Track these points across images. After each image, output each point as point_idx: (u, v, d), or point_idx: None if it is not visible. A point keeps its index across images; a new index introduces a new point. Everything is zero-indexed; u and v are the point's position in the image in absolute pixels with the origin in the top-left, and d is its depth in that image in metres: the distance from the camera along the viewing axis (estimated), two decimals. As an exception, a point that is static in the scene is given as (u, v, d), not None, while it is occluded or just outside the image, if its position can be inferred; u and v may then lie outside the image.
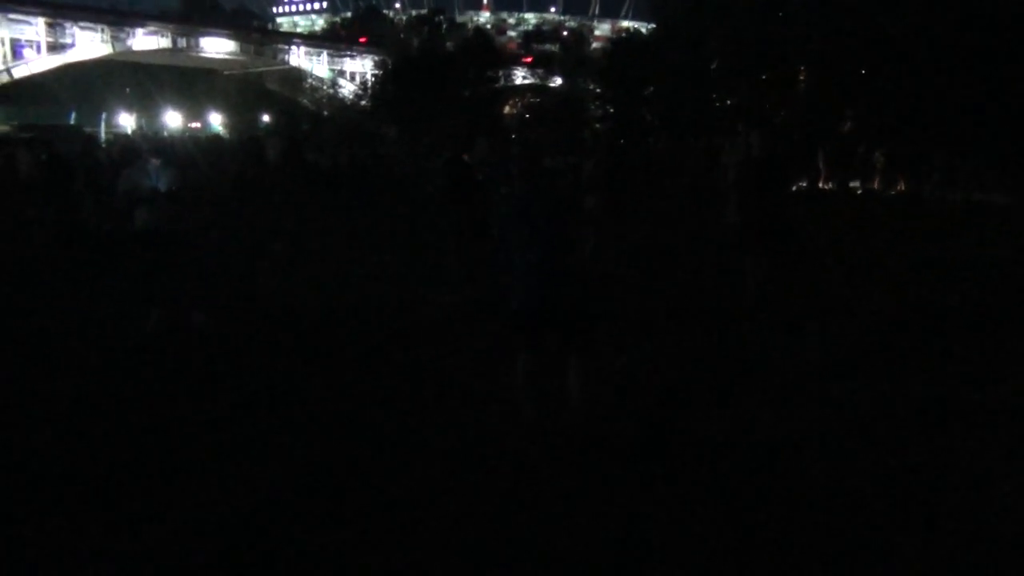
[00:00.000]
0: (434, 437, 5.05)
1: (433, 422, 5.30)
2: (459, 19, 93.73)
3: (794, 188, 21.08)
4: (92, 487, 4.35)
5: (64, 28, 49.93)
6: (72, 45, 50.41)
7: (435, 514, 4.08)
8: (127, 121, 51.83)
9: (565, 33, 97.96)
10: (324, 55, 64.69)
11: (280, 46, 63.43)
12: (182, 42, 56.91)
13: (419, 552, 3.73)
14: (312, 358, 6.65)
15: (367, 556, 3.71)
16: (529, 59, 62.71)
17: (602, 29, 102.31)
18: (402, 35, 66.53)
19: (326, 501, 4.24)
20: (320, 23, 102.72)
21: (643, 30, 50.92)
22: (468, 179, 9.51)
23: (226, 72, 62.62)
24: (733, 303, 7.88)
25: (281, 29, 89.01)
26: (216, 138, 27.19)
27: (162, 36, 55.46)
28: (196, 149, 16.44)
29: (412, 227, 13.64)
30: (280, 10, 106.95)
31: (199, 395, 5.76)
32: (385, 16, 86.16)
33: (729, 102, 32.27)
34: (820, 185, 22.72)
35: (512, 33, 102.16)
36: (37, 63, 48.93)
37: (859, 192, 22.34)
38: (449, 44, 40.98)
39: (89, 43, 51.05)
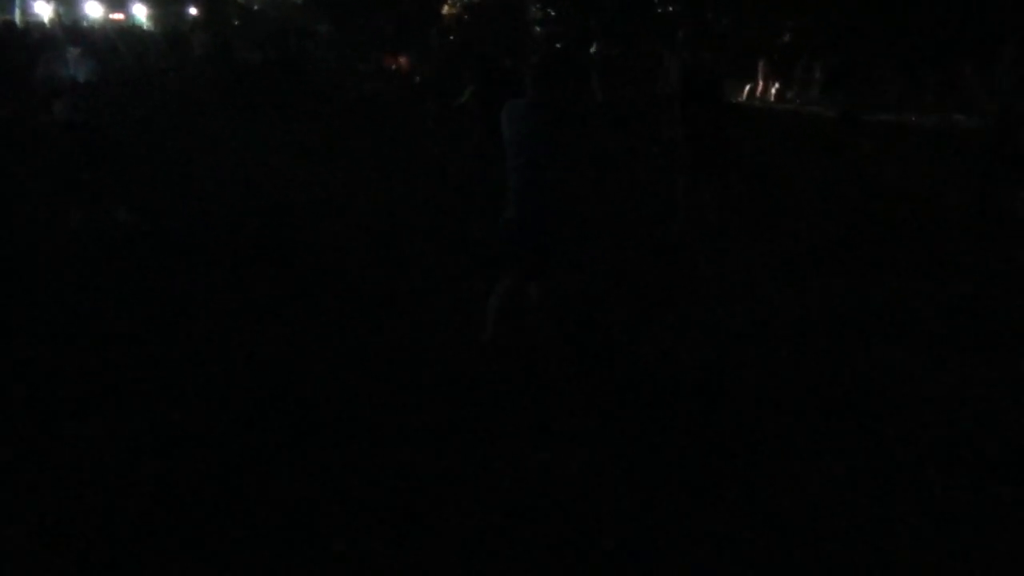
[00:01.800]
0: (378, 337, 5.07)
1: (377, 320, 5.31)
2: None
3: (736, 100, 21.15)
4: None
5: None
6: (-21, -77, 46.95)
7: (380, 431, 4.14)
8: (43, 10, 48.90)
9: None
10: (255, -56, 61.54)
11: (208, -68, 60.08)
12: (101, -75, 53.44)
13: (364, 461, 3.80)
14: (246, 260, 6.52)
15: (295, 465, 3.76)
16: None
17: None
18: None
19: (256, 409, 4.25)
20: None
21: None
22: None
23: (150, -41, 59.19)
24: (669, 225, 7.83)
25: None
26: (139, 30, 26.00)
27: (79, -83, 51.95)
28: (118, 40, 15.69)
29: (347, 131, 13.33)
30: None
31: (125, 294, 5.65)
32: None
33: (672, 8, 31.82)
34: (758, 95, 22.82)
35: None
36: (-59, -58, 45.51)
37: (797, 102, 22.35)
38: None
39: (-2, -78, 47.59)
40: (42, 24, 27.58)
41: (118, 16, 54.81)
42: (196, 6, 54.22)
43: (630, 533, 3.24)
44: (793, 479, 3.63)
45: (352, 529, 3.19)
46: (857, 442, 3.96)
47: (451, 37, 25.58)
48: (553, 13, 36.08)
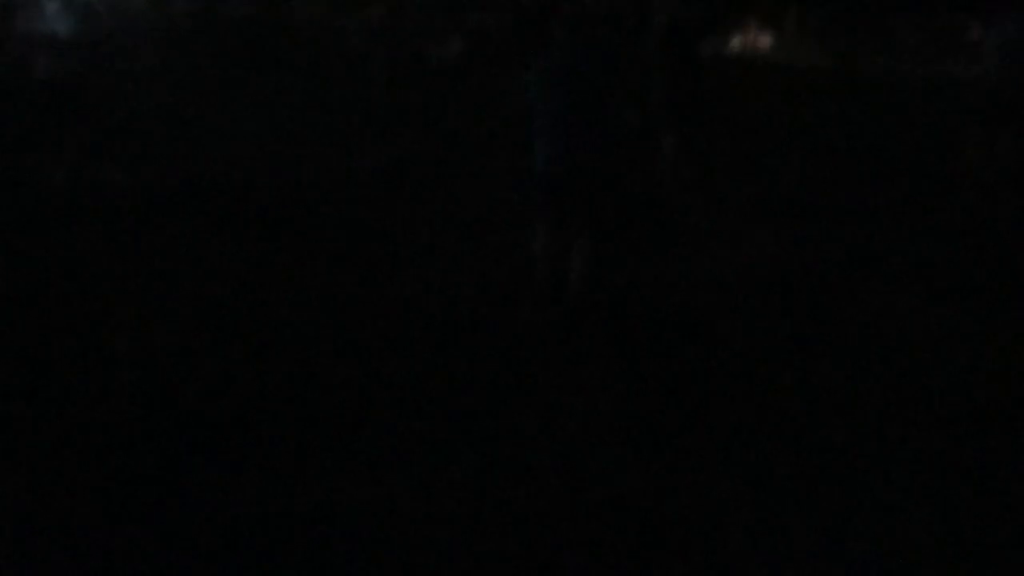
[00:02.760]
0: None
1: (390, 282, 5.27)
2: None
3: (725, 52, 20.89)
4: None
5: None
6: None
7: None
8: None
9: None
10: None
11: None
12: None
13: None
14: (236, 219, 6.35)
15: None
16: None
17: None
18: None
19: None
20: None
21: None
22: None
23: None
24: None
25: None
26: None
27: None
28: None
29: (333, 87, 13.10)
30: None
31: (114, 253, 5.57)
32: None
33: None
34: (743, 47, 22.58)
35: None
36: None
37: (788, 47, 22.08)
38: None
39: None
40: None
41: (98, -28, 53.82)
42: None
43: (632, 530, 3.13)
44: (787, 460, 3.50)
45: (351, 528, 3.08)
46: (843, 394, 3.98)
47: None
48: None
